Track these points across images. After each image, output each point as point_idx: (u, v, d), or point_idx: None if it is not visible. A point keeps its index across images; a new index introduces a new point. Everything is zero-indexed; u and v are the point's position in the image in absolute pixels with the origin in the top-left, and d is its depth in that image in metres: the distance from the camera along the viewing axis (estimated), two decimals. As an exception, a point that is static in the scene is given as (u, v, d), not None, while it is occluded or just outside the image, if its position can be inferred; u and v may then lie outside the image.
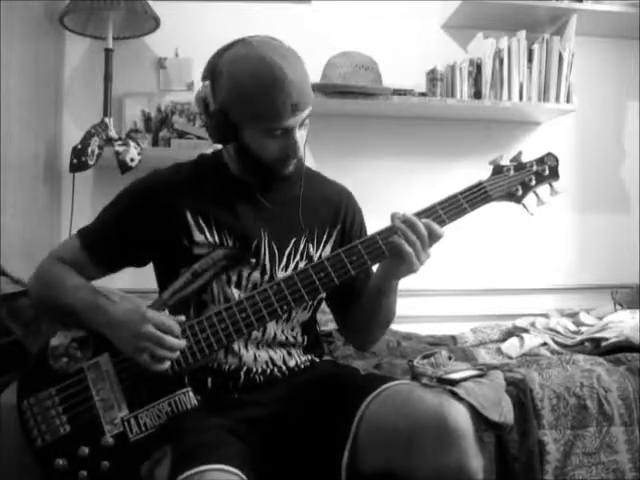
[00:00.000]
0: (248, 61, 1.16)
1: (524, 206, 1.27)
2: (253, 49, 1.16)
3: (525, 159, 1.28)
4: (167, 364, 1.13)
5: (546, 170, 1.27)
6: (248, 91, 1.15)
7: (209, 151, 1.39)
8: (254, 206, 1.29)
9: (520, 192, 1.26)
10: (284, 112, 1.15)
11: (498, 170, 1.27)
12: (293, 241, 1.28)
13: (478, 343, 2.25)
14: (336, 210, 1.37)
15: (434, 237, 1.18)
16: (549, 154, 1.29)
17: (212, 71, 1.21)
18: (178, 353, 1.14)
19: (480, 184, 1.24)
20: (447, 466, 1.01)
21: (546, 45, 2.44)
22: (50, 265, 1.31)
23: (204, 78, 1.23)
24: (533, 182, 1.27)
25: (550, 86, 2.44)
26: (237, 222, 1.26)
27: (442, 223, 1.20)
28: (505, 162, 1.28)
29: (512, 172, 1.26)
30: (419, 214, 1.20)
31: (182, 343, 1.13)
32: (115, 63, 2.29)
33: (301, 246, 1.29)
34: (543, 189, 1.28)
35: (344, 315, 1.40)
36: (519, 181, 1.26)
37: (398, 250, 1.16)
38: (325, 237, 1.33)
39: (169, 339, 1.12)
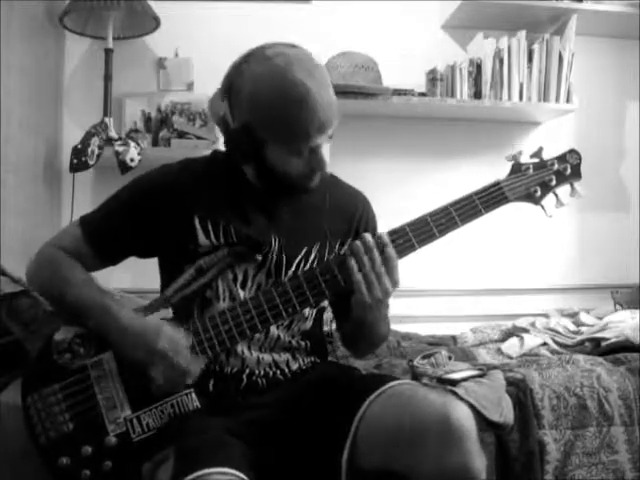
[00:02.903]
0: (271, 81, 1.11)
1: (542, 208, 1.21)
2: (274, 66, 1.11)
3: (546, 155, 1.21)
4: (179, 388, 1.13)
5: (568, 169, 1.21)
6: (273, 113, 1.11)
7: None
8: (267, 213, 1.25)
9: (539, 193, 1.19)
10: (312, 133, 1.12)
11: (517, 168, 1.20)
12: (304, 251, 1.26)
13: (478, 343, 2.25)
14: (350, 220, 1.33)
15: (388, 261, 1.11)
16: (572, 151, 1.22)
17: (230, 89, 1.16)
18: (192, 380, 1.13)
19: (497, 184, 1.18)
20: (450, 466, 1.00)
21: (546, 45, 2.44)
22: (52, 255, 1.27)
23: (222, 95, 1.19)
24: (553, 182, 1.20)
25: (550, 86, 2.44)
26: (248, 229, 1.22)
27: (455, 225, 1.16)
28: (524, 159, 1.20)
29: (531, 171, 1.19)
30: (431, 215, 1.16)
31: (196, 370, 1.13)
32: (115, 63, 2.29)
33: (312, 256, 1.26)
34: (563, 189, 1.21)
35: (343, 321, 1.38)
36: (539, 181, 1.19)
37: (349, 276, 1.12)
38: (337, 248, 1.29)
39: (185, 366, 1.12)
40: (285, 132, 1.13)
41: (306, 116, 1.11)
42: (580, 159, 1.22)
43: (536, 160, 1.22)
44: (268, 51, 1.14)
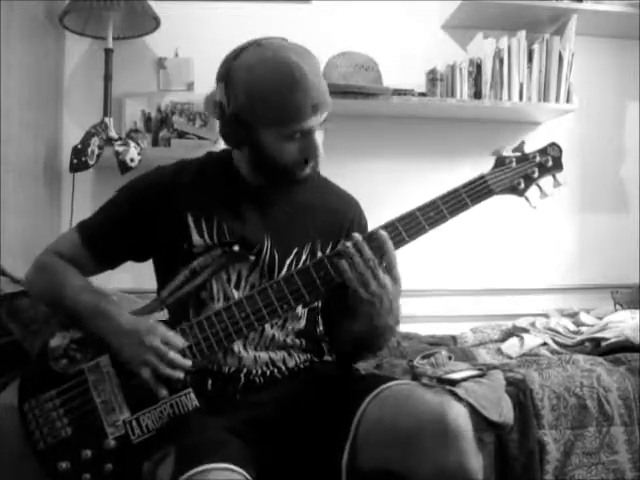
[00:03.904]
0: (266, 63, 1.13)
1: (527, 199, 1.24)
2: (269, 51, 1.15)
3: (528, 149, 1.24)
4: (165, 391, 1.12)
5: (549, 161, 1.23)
6: (269, 94, 1.13)
7: (218, 148, 1.35)
8: (260, 212, 1.27)
9: (522, 185, 1.22)
10: (306, 113, 1.14)
11: (500, 162, 1.23)
12: (295, 251, 1.26)
13: (478, 343, 2.25)
14: (341, 223, 1.34)
15: (387, 260, 1.13)
16: (552, 144, 1.25)
17: (226, 74, 1.18)
18: (182, 374, 1.12)
19: (482, 177, 1.21)
20: (447, 466, 1.01)
21: (546, 45, 2.44)
22: (50, 261, 1.28)
23: (218, 82, 1.20)
24: (536, 174, 1.23)
25: (550, 86, 2.45)
26: (241, 227, 1.24)
27: (444, 218, 1.18)
28: (507, 153, 1.24)
29: (514, 164, 1.23)
30: (420, 209, 1.18)
31: (187, 363, 1.13)
32: (115, 63, 2.29)
33: (303, 257, 1.27)
34: (546, 181, 1.24)
35: (332, 326, 1.36)
36: (522, 174, 1.22)
37: (342, 276, 1.13)
38: (328, 251, 1.29)
39: (174, 356, 1.11)
40: (279, 113, 1.14)
41: (299, 95, 1.12)
42: (561, 152, 1.25)
43: (518, 154, 1.25)
44: (261, 41, 1.18)
